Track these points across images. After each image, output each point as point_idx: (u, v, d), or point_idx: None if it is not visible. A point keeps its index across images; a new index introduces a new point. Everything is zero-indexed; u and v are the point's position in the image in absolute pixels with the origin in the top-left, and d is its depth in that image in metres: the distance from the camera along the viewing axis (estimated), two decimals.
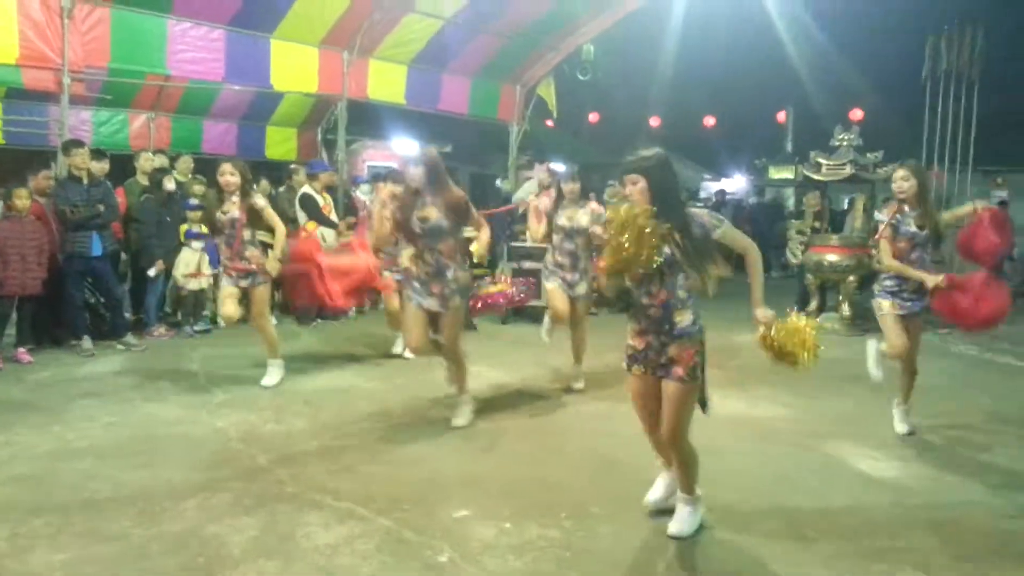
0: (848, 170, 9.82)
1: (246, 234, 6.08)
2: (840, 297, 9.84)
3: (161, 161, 8.85)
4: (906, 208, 5.09)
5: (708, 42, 15.86)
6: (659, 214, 3.33)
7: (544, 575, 3.32)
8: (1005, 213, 5.33)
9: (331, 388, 6.27)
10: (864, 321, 9.01)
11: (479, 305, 6.23)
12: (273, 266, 6.21)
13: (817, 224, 10.67)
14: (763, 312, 3.56)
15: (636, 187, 3.39)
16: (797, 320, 3.56)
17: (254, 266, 6.09)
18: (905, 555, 3.57)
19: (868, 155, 9.98)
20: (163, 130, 11.93)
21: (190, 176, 8.90)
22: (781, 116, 18.96)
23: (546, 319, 6.46)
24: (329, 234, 8.50)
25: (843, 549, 3.63)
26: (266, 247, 6.30)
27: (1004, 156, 15.82)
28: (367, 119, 14.04)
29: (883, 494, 4.33)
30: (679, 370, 3.45)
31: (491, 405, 5.85)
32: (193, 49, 8.74)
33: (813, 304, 10.31)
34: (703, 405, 3.60)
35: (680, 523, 3.65)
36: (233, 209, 6.06)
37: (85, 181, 7.19)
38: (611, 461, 4.69)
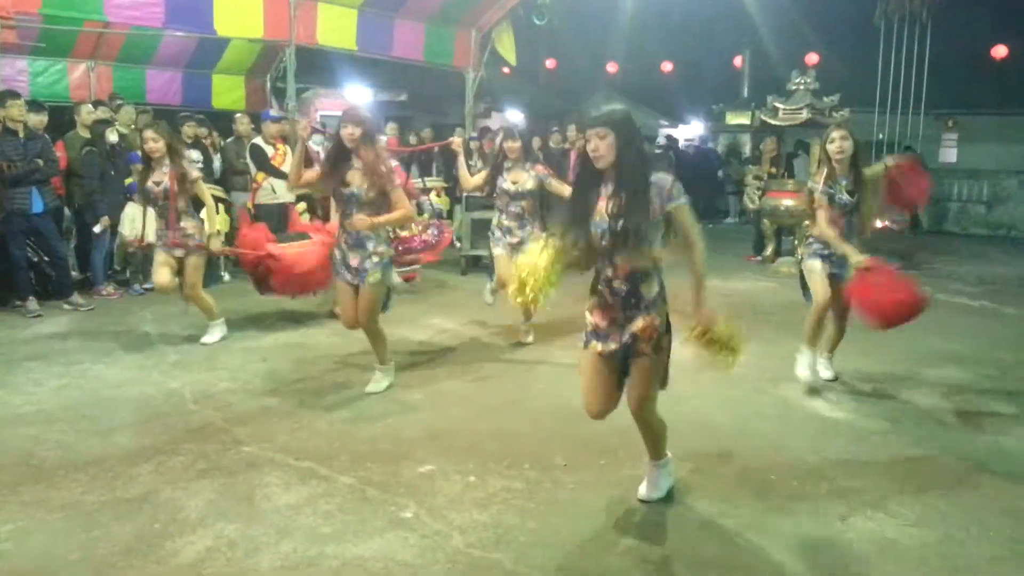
0: (805, 114, 9.84)
1: (180, 203, 5.84)
2: (796, 241, 9.92)
3: (103, 113, 8.48)
4: (837, 172, 4.92)
5: None
6: (621, 176, 3.16)
7: (509, 527, 3.31)
8: (919, 157, 5.48)
9: (288, 343, 6.15)
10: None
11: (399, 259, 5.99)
12: (215, 242, 6.03)
13: (773, 170, 10.70)
14: (707, 312, 3.31)
15: (603, 141, 3.15)
16: (729, 324, 3.38)
17: (191, 237, 5.87)
18: (863, 495, 3.64)
19: (824, 99, 9.99)
20: (104, 80, 11.42)
21: (132, 127, 8.54)
22: (738, 61, 18.86)
23: (489, 283, 6.38)
24: (279, 185, 8.24)
25: (802, 491, 3.68)
26: (223, 204, 6.06)
27: (956, 100, 15.97)
28: (318, 66, 13.63)
29: (839, 435, 4.40)
30: (644, 346, 3.24)
31: (450, 358, 5.80)
32: None
33: (769, 249, 10.41)
34: (663, 381, 3.40)
35: (651, 487, 3.57)
36: (164, 179, 5.79)
37: (22, 135, 6.86)
38: (573, 411, 4.65)
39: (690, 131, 20.66)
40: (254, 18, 9.56)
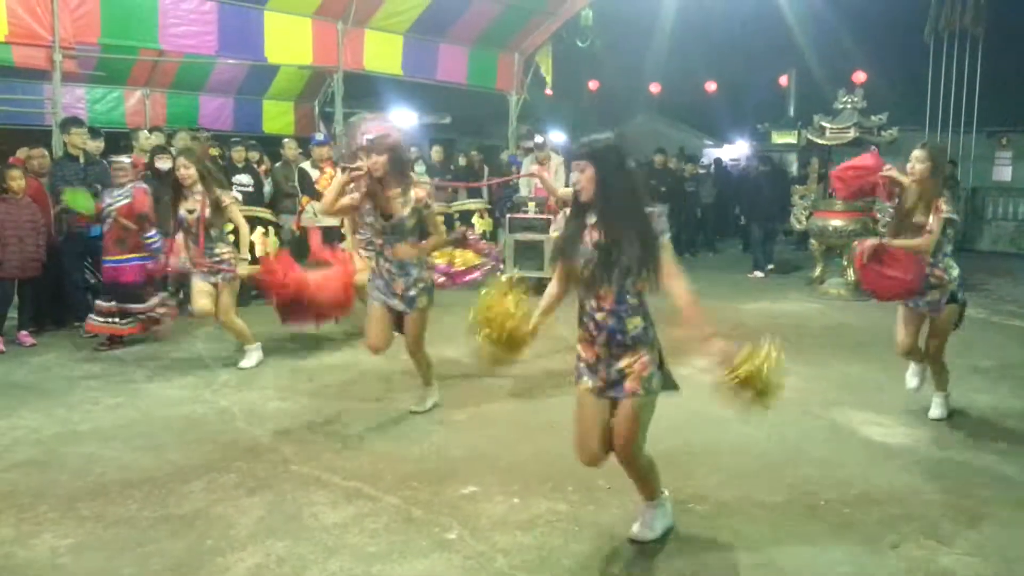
0: (852, 133, 9.71)
1: (212, 232, 5.86)
2: (845, 262, 9.76)
3: (159, 139, 8.75)
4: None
5: (708, 5, 15.60)
6: (604, 208, 3.02)
7: (553, 549, 3.31)
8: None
9: (335, 364, 6.24)
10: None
11: (455, 281, 6.07)
12: (244, 268, 6.03)
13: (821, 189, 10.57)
14: (722, 347, 3.03)
15: (584, 174, 3.03)
16: (757, 353, 3.01)
17: (225, 263, 5.88)
18: (915, 522, 3.55)
19: (872, 118, 9.86)
20: (159, 106, 11.82)
21: None
22: (783, 80, 18.71)
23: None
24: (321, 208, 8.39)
25: (853, 517, 3.61)
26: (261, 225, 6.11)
27: (1009, 117, 15.61)
28: (365, 91, 13.89)
29: (892, 461, 4.30)
30: (631, 383, 3.07)
31: (493, 379, 5.81)
32: (185, 23, 8.62)
33: (818, 270, 10.26)
34: (674, 387, 3.28)
35: (644, 527, 3.37)
36: (196, 206, 5.79)
37: (82, 161, 7.10)
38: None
39: (735, 151, 20.51)
40: (304, 45, 9.83)
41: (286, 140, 9.60)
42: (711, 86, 19.65)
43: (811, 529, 3.50)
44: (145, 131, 8.74)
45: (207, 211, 5.80)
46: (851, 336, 6.42)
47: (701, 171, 14.86)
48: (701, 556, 3.28)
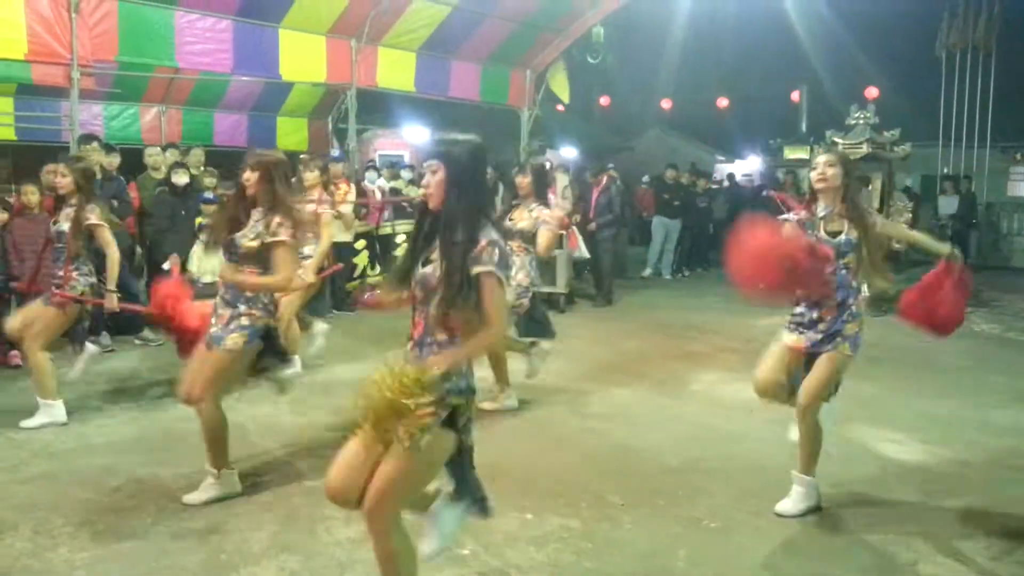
0: (865, 149, 9.69)
1: (75, 249, 4.99)
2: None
3: (173, 156, 8.84)
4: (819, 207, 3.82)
5: (719, 21, 15.69)
6: (446, 219, 2.56)
7: (566, 566, 3.30)
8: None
9: (349, 379, 6.24)
10: (884, 302, 8.90)
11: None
12: (110, 299, 5.22)
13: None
14: (432, 361, 2.52)
15: (434, 177, 2.59)
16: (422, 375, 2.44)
17: (69, 292, 4.98)
18: (932, 540, 3.52)
19: (885, 133, 9.85)
20: (174, 123, 11.93)
21: (202, 169, 8.88)
22: (795, 95, 18.74)
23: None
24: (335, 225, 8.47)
25: (868, 537, 3.58)
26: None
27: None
28: (377, 107, 13.99)
29: (908, 479, 4.28)
30: (404, 431, 2.45)
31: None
32: (201, 41, 8.71)
33: None
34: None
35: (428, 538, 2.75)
36: (63, 220, 4.99)
37: (99, 176, 7.17)
38: (628, 450, 4.66)
39: (747, 166, 20.52)
40: (317, 63, 9.91)
41: (302, 157, 9.62)
42: (723, 102, 19.71)
43: (825, 546, 3.48)
44: (154, 148, 8.83)
45: (73, 228, 4.99)
46: (864, 351, 6.38)
47: (713, 186, 14.86)
48: (715, 572, 3.26)
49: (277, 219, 3.82)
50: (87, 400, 5.60)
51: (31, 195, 6.71)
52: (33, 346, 4.99)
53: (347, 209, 8.57)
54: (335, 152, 9.94)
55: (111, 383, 6.07)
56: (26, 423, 5.00)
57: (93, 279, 5.15)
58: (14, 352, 6.52)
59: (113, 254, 5.10)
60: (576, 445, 4.78)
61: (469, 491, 2.76)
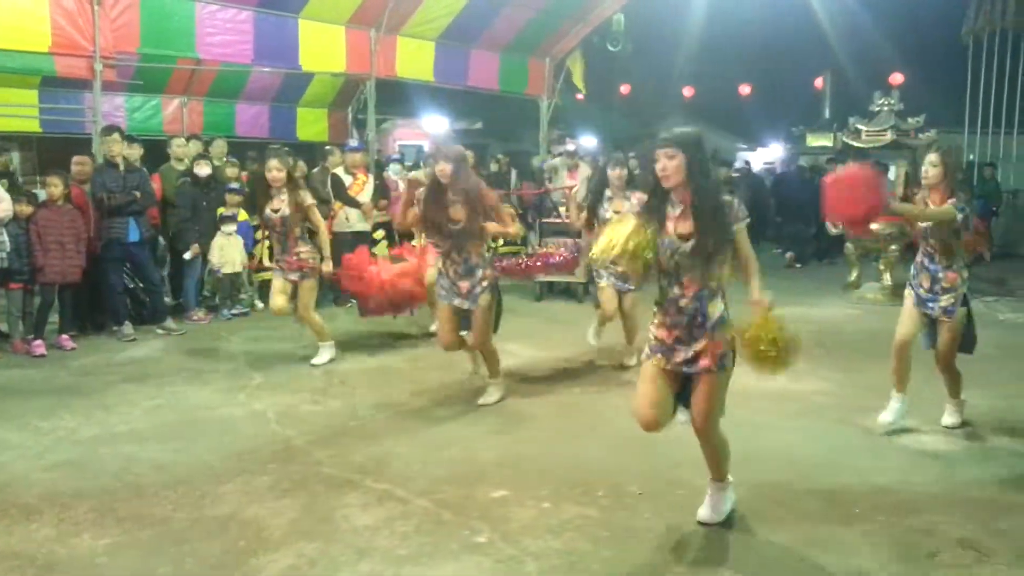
0: (889, 136, 9.57)
1: (297, 231, 6.15)
2: (881, 267, 9.61)
3: (196, 147, 8.90)
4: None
5: (741, 7, 15.47)
6: (695, 194, 3.25)
7: (583, 554, 3.30)
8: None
9: (369, 368, 6.28)
10: None
11: (537, 264, 6.57)
12: (328, 265, 6.33)
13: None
14: (765, 301, 3.36)
15: (672, 162, 3.21)
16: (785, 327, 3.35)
17: (307, 263, 6.17)
18: (953, 532, 3.48)
19: (909, 120, 9.71)
20: (196, 114, 12.01)
21: (224, 160, 8.94)
22: (819, 82, 18.52)
23: (595, 323, 6.35)
24: (354, 214, 8.52)
25: (889, 527, 3.55)
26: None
27: None
28: (397, 97, 13.99)
29: (930, 469, 4.23)
30: (706, 361, 3.29)
31: (525, 384, 5.82)
32: (222, 32, 8.75)
33: (854, 274, 10.10)
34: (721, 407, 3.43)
35: (710, 509, 3.54)
36: (283, 206, 6.10)
37: (121, 168, 7.24)
38: (647, 439, 4.59)
39: (769, 154, 20.32)
40: (337, 53, 9.93)
41: (328, 148, 9.66)
42: (745, 89, 19.52)
43: (846, 537, 3.45)
44: (179, 138, 8.89)
45: (294, 212, 6.07)
46: (887, 342, 6.27)
47: (735, 175, 14.72)
48: (733, 563, 3.25)
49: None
50: (110, 389, 5.67)
51: (55, 187, 6.78)
52: (306, 314, 6.25)
53: (365, 198, 8.62)
54: (353, 142, 9.92)
55: (134, 372, 6.14)
56: (316, 360, 6.25)
57: (315, 251, 6.27)
58: (38, 342, 6.63)
59: (324, 229, 6.36)
60: (595, 434, 4.77)
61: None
